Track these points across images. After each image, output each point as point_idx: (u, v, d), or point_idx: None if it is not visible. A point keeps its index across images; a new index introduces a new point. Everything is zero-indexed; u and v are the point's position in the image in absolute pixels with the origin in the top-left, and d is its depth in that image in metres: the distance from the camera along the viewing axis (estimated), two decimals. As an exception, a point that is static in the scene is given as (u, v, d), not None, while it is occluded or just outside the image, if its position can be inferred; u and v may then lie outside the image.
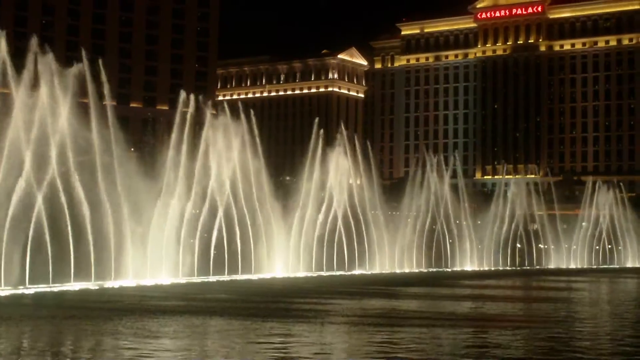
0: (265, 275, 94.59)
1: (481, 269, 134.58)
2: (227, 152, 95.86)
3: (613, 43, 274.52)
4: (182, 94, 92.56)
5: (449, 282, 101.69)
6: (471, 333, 47.13)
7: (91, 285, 71.86)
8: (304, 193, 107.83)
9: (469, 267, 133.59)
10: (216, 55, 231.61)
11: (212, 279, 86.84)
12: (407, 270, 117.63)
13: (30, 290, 66.16)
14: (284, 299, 68.80)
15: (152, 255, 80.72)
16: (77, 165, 73.20)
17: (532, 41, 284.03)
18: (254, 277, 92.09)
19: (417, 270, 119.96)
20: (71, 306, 57.05)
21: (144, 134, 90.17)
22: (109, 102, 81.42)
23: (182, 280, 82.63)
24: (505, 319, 56.92)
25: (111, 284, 73.38)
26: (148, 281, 78.25)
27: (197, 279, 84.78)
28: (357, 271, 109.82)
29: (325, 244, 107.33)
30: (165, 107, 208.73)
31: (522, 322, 55.50)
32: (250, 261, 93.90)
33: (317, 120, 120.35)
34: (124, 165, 79.46)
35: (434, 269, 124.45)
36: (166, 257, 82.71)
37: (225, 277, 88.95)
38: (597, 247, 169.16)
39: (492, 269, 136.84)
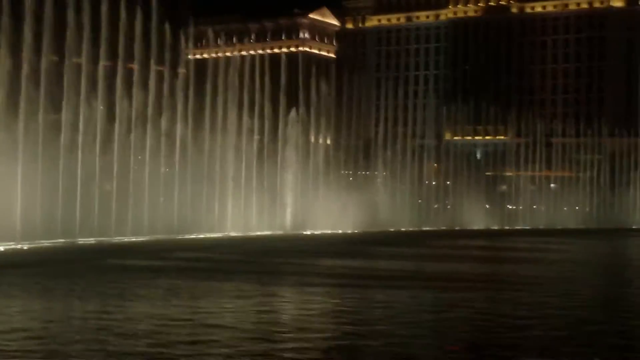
0: (235, 233, 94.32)
1: (452, 228, 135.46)
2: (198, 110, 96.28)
3: (584, 6, 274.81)
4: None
5: (422, 242, 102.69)
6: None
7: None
8: (277, 151, 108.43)
9: (441, 226, 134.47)
10: (188, 13, 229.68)
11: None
12: (378, 230, 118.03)
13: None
14: (263, 258, 69.33)
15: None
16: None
17: (503, 3, 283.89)
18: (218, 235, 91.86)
19: (391, 230, 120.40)
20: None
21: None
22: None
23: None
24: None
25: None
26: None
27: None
28: (329, 230, 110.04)
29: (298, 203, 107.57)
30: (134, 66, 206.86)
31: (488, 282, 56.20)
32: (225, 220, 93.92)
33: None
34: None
35: (408, 229, 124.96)
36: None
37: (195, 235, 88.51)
38: (566, 209, 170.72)
39: (461, 228, 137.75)
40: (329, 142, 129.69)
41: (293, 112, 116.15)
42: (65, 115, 77.34)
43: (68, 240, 70.10)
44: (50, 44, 76.96)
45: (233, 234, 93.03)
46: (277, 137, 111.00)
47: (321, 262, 68.62)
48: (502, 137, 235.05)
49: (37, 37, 75.95)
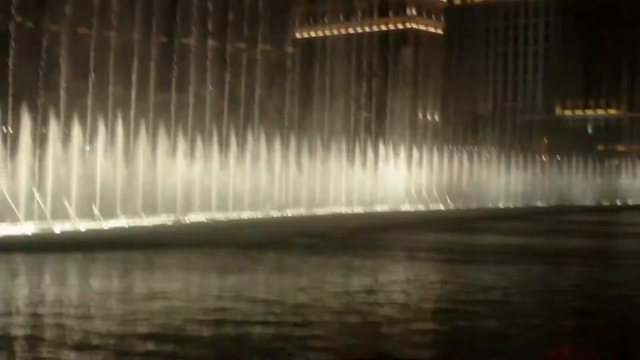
0: (341, 210, 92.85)
1: (563, 204, 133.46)
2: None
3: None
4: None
5: (532, 217, 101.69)
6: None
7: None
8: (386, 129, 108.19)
9: (551, 202, 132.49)
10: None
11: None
12: (490, 206, 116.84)
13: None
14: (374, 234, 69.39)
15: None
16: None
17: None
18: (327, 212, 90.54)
19: (501, 206, 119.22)
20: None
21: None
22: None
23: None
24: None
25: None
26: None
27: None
28: (437, 206, 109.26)
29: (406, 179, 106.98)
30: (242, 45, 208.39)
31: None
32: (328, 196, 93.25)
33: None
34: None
35: (517, 205, 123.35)
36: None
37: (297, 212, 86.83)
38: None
39: (571, 204, 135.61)
40: (437, 118, 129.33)
41: (404, 51, 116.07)
42: (174, 96, 78.48)
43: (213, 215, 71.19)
44: (159, 25, 78.13)
45: (342, 210, 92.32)
46: (386, 113, 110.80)
47: (431, 238, 68.50)
48: (614, 112, 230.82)
49: (146, 18, 77.18)
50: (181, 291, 34.49)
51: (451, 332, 27.05)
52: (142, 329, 25.48)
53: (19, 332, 25.05)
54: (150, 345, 23.10)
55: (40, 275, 39.87)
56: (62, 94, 65.97)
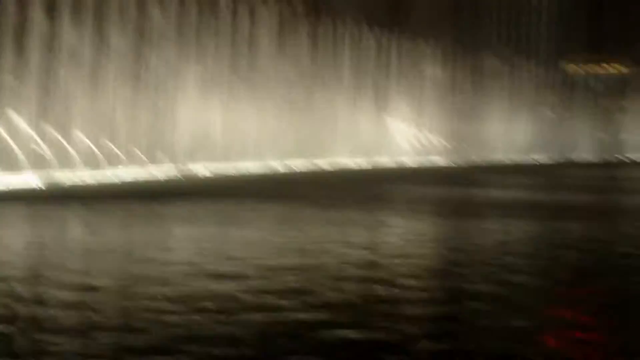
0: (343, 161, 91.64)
1: (566, 158, 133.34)
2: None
3: None
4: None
5: (536, 171, 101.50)
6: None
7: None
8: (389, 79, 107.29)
9: (552, 157, 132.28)
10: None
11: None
12: (493, 159, 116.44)
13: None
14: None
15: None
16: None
17: None
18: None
19: (505, 160, 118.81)
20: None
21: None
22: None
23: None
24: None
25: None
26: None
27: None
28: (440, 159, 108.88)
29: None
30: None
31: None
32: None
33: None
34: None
35: (521, 160, 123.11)
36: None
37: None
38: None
39: (575, 158, 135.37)
40: (441, 68, 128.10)
41: None
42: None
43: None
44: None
45: (344, 162, 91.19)
46: (390, 62, 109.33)
47: (434, 191, 68.15)
48: (620, 67, 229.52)
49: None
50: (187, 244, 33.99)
51: (452, 292, 26.50)
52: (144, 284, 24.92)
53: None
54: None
55: (42, 227, 39.24)
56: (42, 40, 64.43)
